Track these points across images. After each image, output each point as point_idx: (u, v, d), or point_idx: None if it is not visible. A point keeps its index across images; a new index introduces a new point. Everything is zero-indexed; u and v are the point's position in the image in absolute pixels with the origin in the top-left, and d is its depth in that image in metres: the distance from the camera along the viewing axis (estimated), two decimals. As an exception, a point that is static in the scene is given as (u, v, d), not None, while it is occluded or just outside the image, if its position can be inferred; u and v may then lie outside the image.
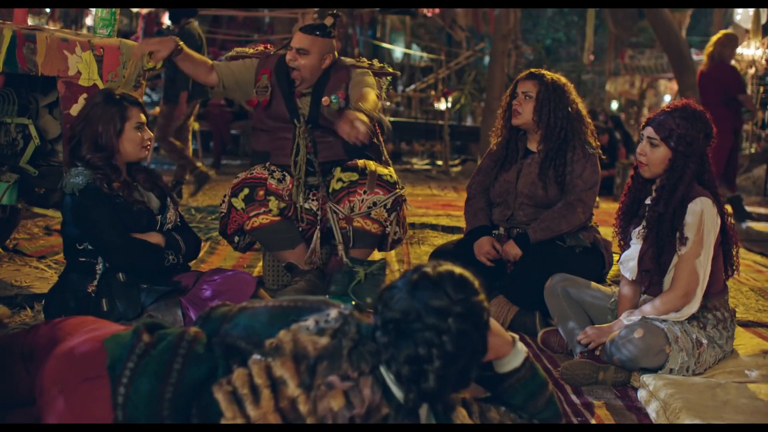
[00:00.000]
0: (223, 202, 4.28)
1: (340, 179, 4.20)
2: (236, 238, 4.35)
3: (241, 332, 2.04)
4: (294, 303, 2.06)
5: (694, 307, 3.22)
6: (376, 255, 4.57)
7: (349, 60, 4.49)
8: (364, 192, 4.15)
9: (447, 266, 1.97)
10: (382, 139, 4.55)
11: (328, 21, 4.32)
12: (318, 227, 4.28)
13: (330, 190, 4.24)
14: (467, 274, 1.97)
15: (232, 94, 4.52)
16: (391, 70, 4.51)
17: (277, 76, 4.34)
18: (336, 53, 4.39)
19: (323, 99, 4.20)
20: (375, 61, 4.54)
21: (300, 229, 4.28)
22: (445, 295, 1.90)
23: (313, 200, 4.28)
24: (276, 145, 4.38)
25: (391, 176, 4.26)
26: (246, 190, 4.17)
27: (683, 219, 3.21)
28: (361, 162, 4.25)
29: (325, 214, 4.25)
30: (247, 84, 4.40)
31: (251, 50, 4.54)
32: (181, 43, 4.21)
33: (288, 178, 4.26)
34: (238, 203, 4.18)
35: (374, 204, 4.16)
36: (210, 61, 4.41)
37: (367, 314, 2.02)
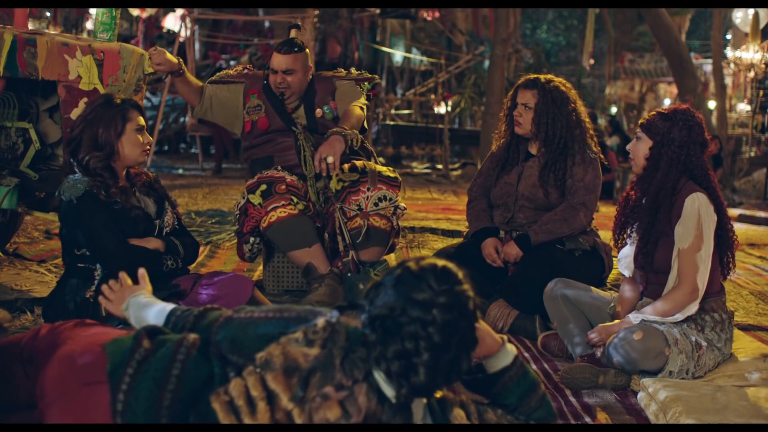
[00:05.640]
0: (239, 203, 4.28)
1: (340, 180, 4.23)
2: (249, 244, 4.31)
3: (230, 346, 2.03)
4: (280, 314, 2.05)
5: (694, 307, 3.22)
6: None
7: (327, 72, 4.64)
8: (368, 189, 4.20)
9: (430, 260, 1.97)
10: (372, 149, 4.64)
11: (294, 33, 4.45)
12: (327, 231, 4.31)
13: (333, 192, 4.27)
14: (450, 265, 1.96)
15: (211, 117, 4.58)
16: (368, 75, 4.63)
17: (266, 93, 4.46)
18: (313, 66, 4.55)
19: (316, 111, 4.41)
20: (353, 70, 4.68)
21: (317, 226, 4.29)
22: (428, 287, 1.89)
23: (321, 206, 4.32)
24: (278, 148, 4.43)
25: (391, 172, 4.34)
26: (263, 186, 4.18)
27: (670, 210, 3.23)
28: (359, 162, 4.29)
29: (332, 217, 4.27)
30: (233, 108, 4.51)
31: (233, 72, 4.64)
32: (185, 67, 4.35)
33: (301, 181, 4.31)
34: (256, 198, 4.17)
35: (379, 200, 4.21)
36: (199, 87, 4.52)
37: (357, 316, 2.01)
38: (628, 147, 3.44)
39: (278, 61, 4.37)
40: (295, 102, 4.45)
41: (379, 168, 4.32)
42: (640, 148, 3.36)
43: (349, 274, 4.18)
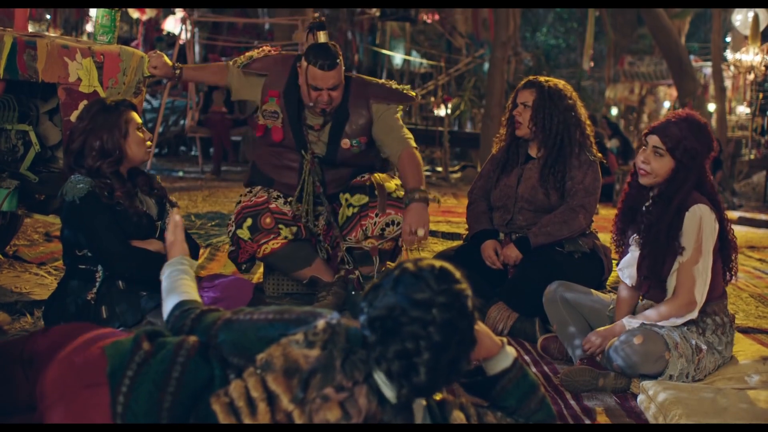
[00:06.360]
0: (230, 231, 4.18)
1: (351, 204, 4.13)
2: (244, 266, 4.31)
3: (231, 349, 2.04)
4: (280, 315, 2.06)
5: (694, 313, 3.23)
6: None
7: (364, 80, 4.25)
8: (376, 215, 4.09)
9: (428, 260, 1.97)
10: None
11: (324, 36, 4.03)
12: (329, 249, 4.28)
13: (342, 220, 4.16)
14: (448, 266, 1.97)
15: (240, 97, 4.41)
16: (409, 92, 4.22)
17: (287, 101, 4.12)
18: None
19: (343, 142, 4.11)
20: (393, 83, 4.27)
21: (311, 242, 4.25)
22: (427, 287, 1.89)
23: (317, 226, 4.25)
24: (281, 173, 4.24)
25: (399, 190, 4.14)
26: (249, 221, 4.10)
27: (680, 227, 3.22)
28: (366, 179, 4.15)
29: (337, 243, 4.22)
30: (253, 98, 4.26)
31: (256, 54, 4.22)
32: (180, 68, 4.15)
33: (294, 203, 4.19)
34: (244, 234, 4.11)
35: (387, 225, 4.10)
36: (220, 66, 4.30)
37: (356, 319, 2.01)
38: (642, 159, 3.29)
39: (324, 78, 3.91)
40: (322, 120, 4.12)
41: (387, 185, 4.14)
42: (662, 166, 3.25)
43: (353, 293, 4.19)
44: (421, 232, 3.77)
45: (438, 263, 1.96)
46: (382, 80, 4.30)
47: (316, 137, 4.16)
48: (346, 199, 4.15)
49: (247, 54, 4.23)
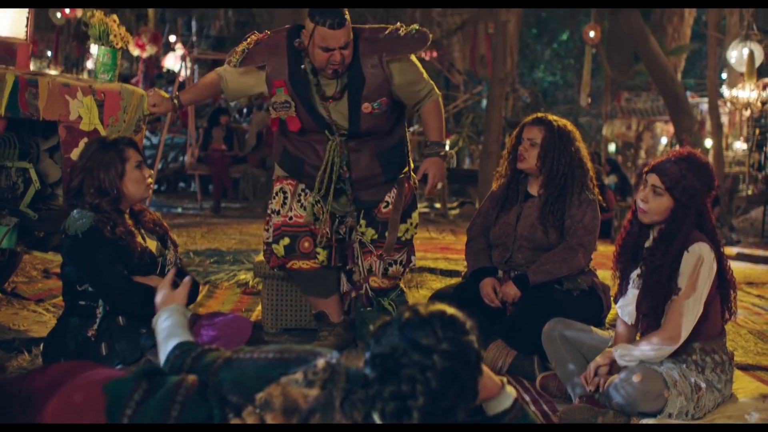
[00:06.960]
0: (267, 237, 4.15)
1: (363, 233, 4.16)
2: (276, 269, 4.31)
3: (231, 387, 2.04)
4: (281, 355, 2.06)
5: (675, 346, 3.22)
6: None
7: (375, 33, 3.98)
8: (381, 255, 4.14)
9: (439, 306, 1.97)
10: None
11: None
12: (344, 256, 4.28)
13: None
14: (459, 314, 1.97)
15: (239, 98, 4.41)
16: (418, 32, 3.96)
17: (294, 86, 3.95)
18: None
19: (364, 106, 3.95)
20: (402, 28, 3.98)
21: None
22: (432, 333, 1.90)
23: (341, 230, 4.20)
24: (307, 153, 4.11)
25: (407, 231, 4.19)
26: (286, 240, 4.07)
27: (680, 267, 3.22)
28: (386, 212, 4.13)
29: (351, 248, 4.23)
30: (259, 89, 4.11)
31: (246, 45, 3.98)
32: (176, 97, 4.10)
33: (324, 211, 4.09)
34: (279, 250, 4.11)
35: (390, 264, 4.18)
36: (212, 79, 4.18)
37: (358, 357, 2.01)
38: (641, 198, 3.31)
39: (335, 37, 3.74)
40: (338, 85, 3.94)
41: (400, 228, 4.13)
42: (660, 205, 3.27)
43: (362, 309, 4.19)
44: (440, 186, 3.99)
45: (450, 311, 1.96)
46: (390, 28, 4.02)
47: (336, 108, 4.00)
48: (359, 226, 4.17)
49: (237, 50, 4.00)
